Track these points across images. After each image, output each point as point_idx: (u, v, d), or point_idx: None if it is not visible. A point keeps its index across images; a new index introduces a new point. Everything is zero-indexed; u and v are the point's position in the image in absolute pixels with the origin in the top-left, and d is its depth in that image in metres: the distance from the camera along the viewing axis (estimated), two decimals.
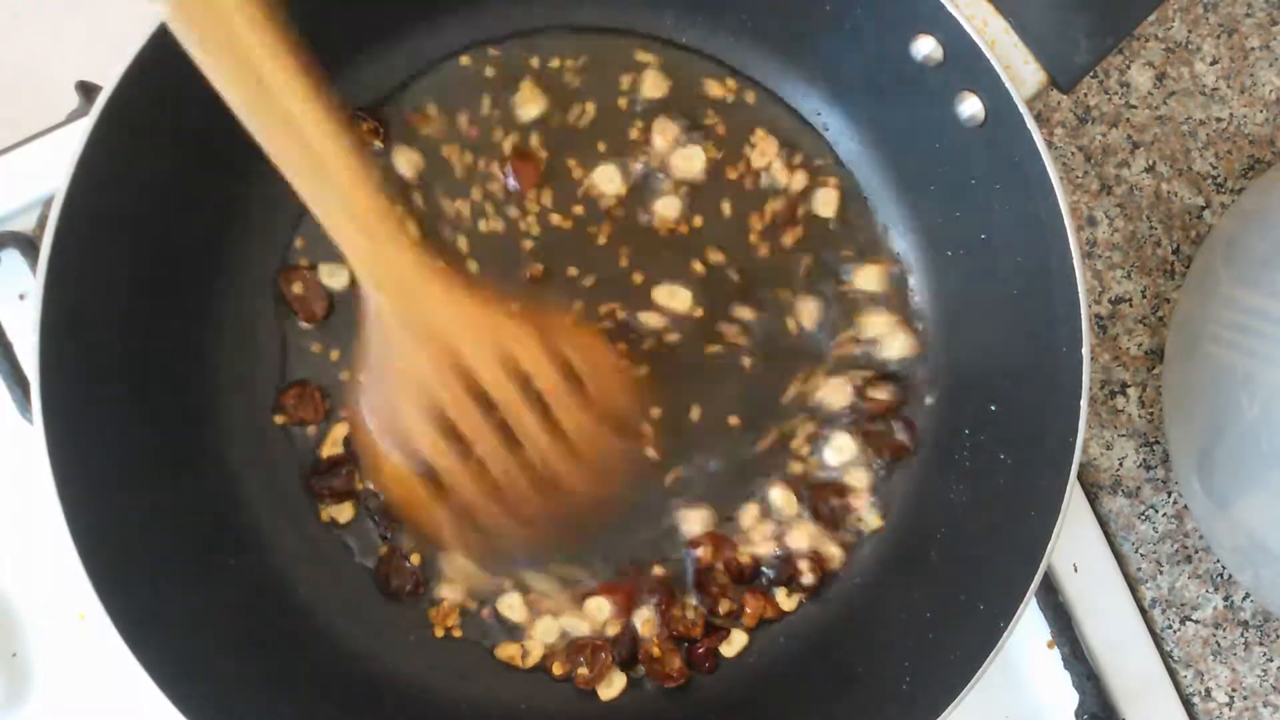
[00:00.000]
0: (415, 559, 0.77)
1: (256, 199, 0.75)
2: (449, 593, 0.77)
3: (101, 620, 0.64)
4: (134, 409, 0.71)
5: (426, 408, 0.68)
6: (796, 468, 0.78)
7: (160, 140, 0.69)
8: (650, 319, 0.79)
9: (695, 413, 0.79)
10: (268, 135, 0.61)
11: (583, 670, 0.76)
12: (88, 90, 0.83)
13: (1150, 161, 0.89)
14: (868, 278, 0.80)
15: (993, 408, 0.75)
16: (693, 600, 0.78)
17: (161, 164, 0.69)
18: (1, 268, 0.83)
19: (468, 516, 0.71)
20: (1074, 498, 0.68)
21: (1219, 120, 0.90)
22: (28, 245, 0.83)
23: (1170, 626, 0.86)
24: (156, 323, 0.73)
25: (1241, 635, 0.86)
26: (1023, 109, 0.67)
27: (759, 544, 0.78)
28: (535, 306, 0.76)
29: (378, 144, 0.78)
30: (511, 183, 0.78)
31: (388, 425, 0.69)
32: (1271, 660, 0.86)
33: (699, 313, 0.79)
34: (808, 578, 0.77)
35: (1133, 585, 0.86)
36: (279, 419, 0.77)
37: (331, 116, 0.62)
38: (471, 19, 0.79)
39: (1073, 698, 0.83)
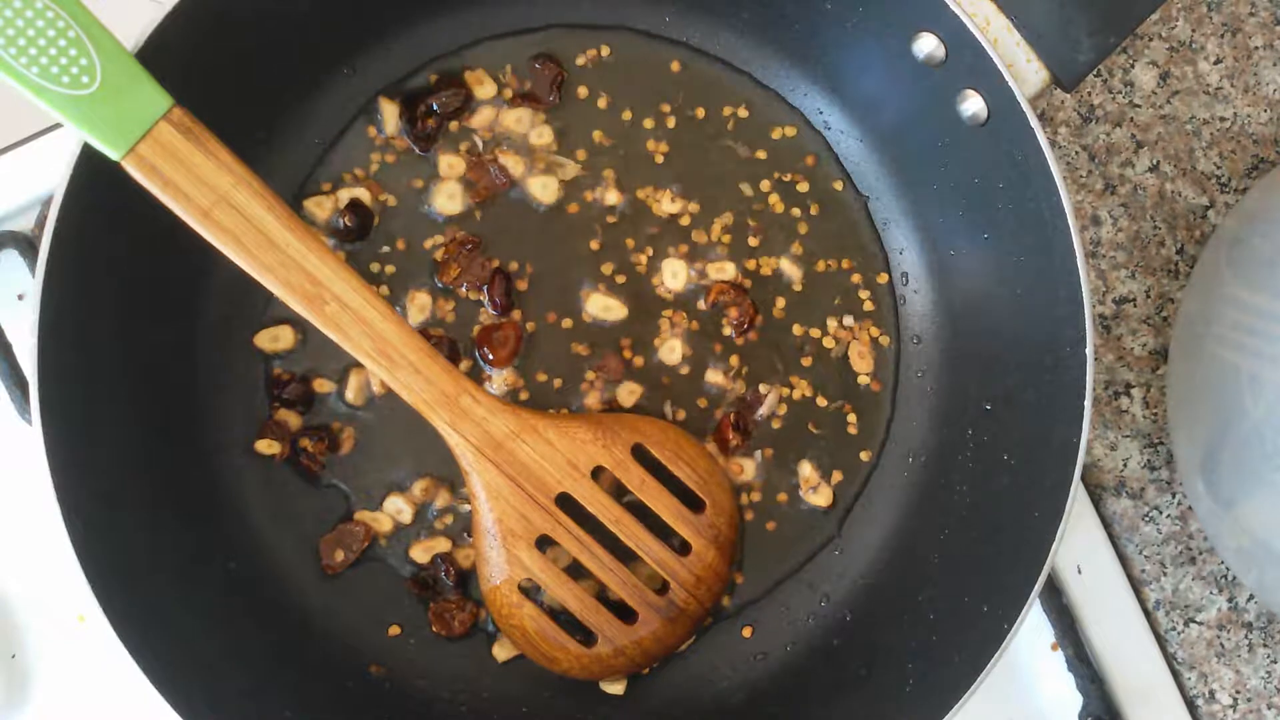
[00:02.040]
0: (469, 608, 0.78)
1: None
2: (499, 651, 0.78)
3: (100, 622, 0.63)
4: (133, 410, 0.71)
5: (536, 540, 0.72)
6: None
7: None
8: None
9: None
10: (334, 330, 0.67)
11: None
12: None
13: (1154, 161, 0.89)
14: None
15: (987, 407, 0.75)
16: None
17: None
18: (0, 268, 0.83)
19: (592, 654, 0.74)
20: (1078, 499, 0.68)
21: (1223, 120, 0.89)
22: (27, 245, 0.82)
23: (1174, 628, 0.86)
24: (155, 323, 0.73)
25: (1245, 637, 0.86)
26: (1025, 108, 0.67)
27: None
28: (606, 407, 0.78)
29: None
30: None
31: (502, 568, 0.72)
32: (1276, 662, 0.86)
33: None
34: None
35: (1137, 587, 0.86)
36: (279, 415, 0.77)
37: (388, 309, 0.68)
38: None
39: (1076, 700, 0.83)
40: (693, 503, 0.75)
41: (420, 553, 0.77)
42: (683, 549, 0.74)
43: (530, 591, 0.74)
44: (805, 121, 0.80)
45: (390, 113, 0.78)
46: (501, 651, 0.77)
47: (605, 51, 0.80)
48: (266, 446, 0.76)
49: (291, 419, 0.77)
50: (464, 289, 0.77)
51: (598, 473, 0.73)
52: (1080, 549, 0.85)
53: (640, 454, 0.74)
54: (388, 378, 0.69)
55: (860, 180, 0.80)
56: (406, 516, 0.77)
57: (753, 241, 0.80)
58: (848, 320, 0.80)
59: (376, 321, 0.68)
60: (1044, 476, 0.69)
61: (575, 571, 0.74)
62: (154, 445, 0.72)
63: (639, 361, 0.79)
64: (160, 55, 0.64)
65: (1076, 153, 0.89)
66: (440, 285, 0.78)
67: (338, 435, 0.77)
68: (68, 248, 0.65)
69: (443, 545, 0.77)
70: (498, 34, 0.79)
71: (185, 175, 0.64)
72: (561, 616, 0.74)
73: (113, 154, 0.62)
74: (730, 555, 0.76)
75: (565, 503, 0.73)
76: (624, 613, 0.74)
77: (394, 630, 0.77)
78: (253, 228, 0.65)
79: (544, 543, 0.73)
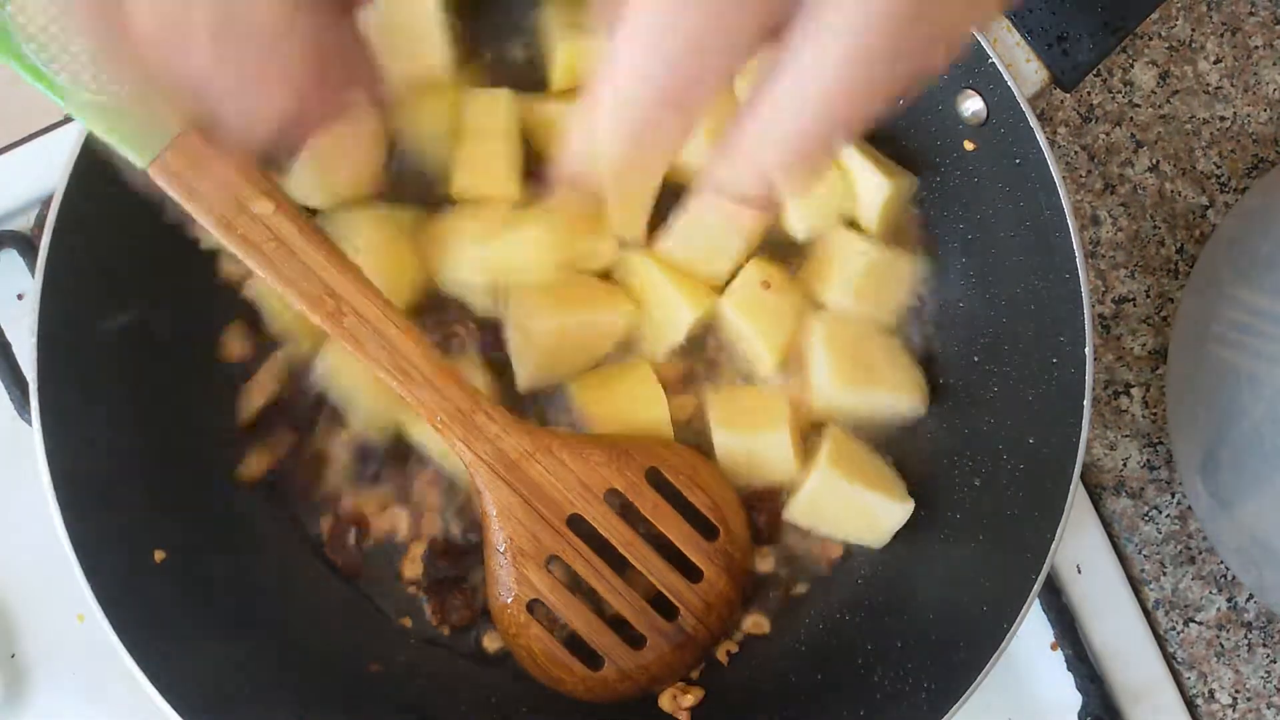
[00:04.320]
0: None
1: None
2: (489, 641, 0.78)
3: (99, 622, 0.63)
4: (132, 409, 0.71)
5: (546, 561, 0.72)
6: None
7: None
8: None
9: None
10: (354, 344, 0.66)
11: None
12: None
13: (1154, 160, 0.89)
14: None
15: (987, 406, 0.75)
16: None
17: None
18: (0, 268, 0.83)
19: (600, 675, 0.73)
20: (1077, 499, 0.68)
21: (1222, 119, 0.89)
22: (26, 245, 0.82)
23: (1174, 628, 0.86)
24: (155, 322, 0.73)
25: (1245, 637, 0.86)
26: (1025, 107, 0.67)
27: None
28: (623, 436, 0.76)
29: None
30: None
31: (510, 587, 0.72)
32: (1275, 662, 0.86)
33: None
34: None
35: (1136, 587, 0.86)
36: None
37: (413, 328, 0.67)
38: None
39: (1076, 699, 0.83)
40: (707, 529, 0.74)
41: (409, 566, 0.77)
42: (694, 575, 0.74)
43: (539, 611, 0.74)
44: None
45: None
46: (491, 643, 0.77)
47: None
48: (257, 466, 0.76)
49: (288, 436, 0.77)
50: None
51: (611, 495, 0.72)
52: (1080, 549, 0.85)
53: (655, 477, 0.73)
54: (403, 392, 0.68)
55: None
56: (403, 523, 0.77)
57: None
58: None
59: (394, 337, 0.67)
60: (1044, 476, 0.69)
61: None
62: (154, 444, 0.72)
63: None
64: None
65: (1076, 152, 0.88)
66: None
67: (332, 455, 0.77)
68: (68, 248, 0.65)
69: (420, 549, 0.77)
70: None
71: (209, 184, 0.62)
72: (569, 637, 0.74)
73: (138, 161, 0.62)
74: (741, 583, 0.75)
75: (576, 524, 0.72)
76: (632, 636, 0.74)
77: (397, 625, 0.77)
78: (274, 238, 0.64)
79: (554, 563, 0.73)
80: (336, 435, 0.77)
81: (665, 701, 0.75)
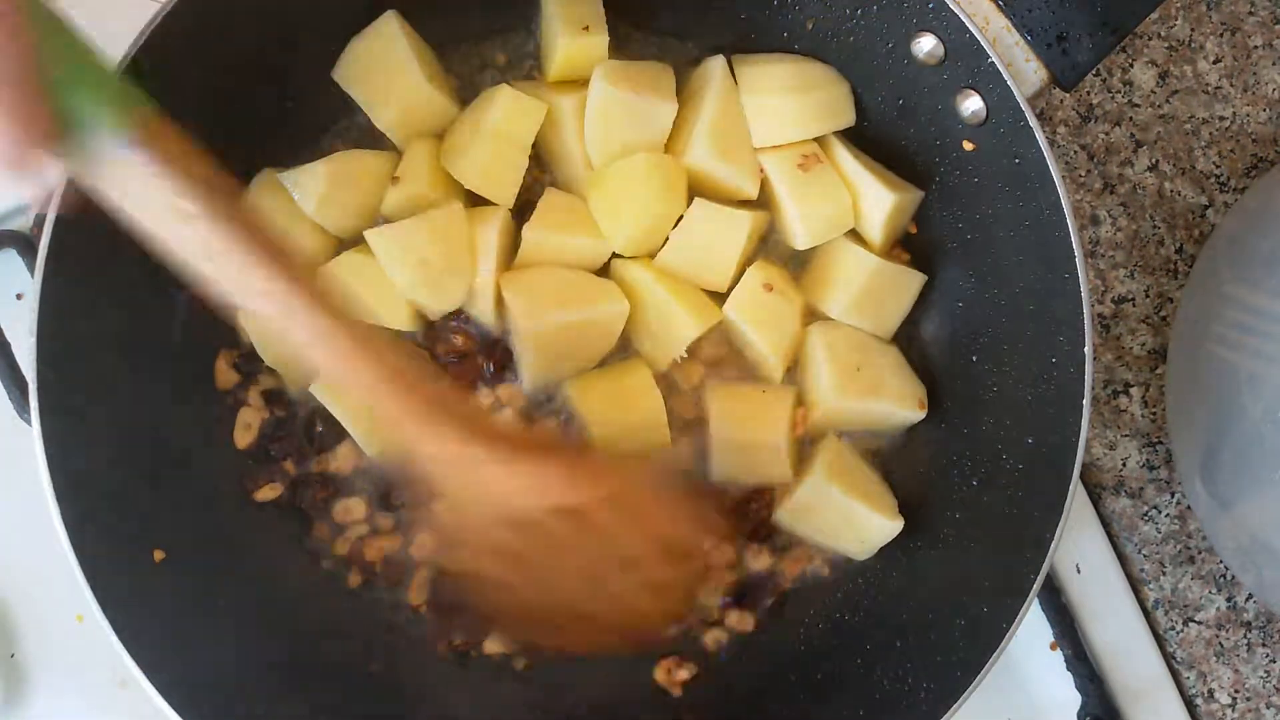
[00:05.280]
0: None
1: None
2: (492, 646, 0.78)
3: (99, 622, 0.63)
4: (132, 410, 0.71)
5: (495, 536, 0.67)
6: None
7: None
8: None
9: None
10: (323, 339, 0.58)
11: None
12: None
13: (1153, 160, 0.89)
14: None
15: (987, 406, 0.75)
16: None
17: None
18: None
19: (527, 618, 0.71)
20: (1077, 499, 0.68)
21: (1222, 119, 0.89)
22: (25, 244, 0.82)
23: (1173, 628, 0.86)
24: (154, 322, 0.73)
25: (1244, 636, 0.86)
26: (1025, 107, 0.67)
27: None
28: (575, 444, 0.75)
29: None
30: None
31: (461, 543, 0.68)
32: (1275, 661, 0.86)
33: None
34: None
35: (1135, 586, 0.86)
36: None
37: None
38: None
39: (1075, 699, 0.83)
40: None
41: (415, 591, 0.77)
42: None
43: None
44: None
45: None
46: (491, 646, 0.77)
47: None
48: (270, 491, 0.76)
49: (289, 466, 0.77)
50: None
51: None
52: (1079, 548, 0.85)
53: (618, 496, 0.68)
54: (358, 391, 0.61)
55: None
56: (411, 544, 0.77)
57: None
58: None
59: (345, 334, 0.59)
60: (1043, 475, 0.69)
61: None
62: (154, 445, 0.72)
63: None
64: (155, 55, 0.64)
65: (1075, 152, 0.88)
66: None
67: (337, 480, 0.77)
68: (68, 248, 0.65)
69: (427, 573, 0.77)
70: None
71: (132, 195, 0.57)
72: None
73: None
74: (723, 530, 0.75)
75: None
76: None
77: (399, 628, 0.77)
78: (208, 233, 0.56)
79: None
80: (339, 458, 0.77)
81: (660, 675, 0.75)
